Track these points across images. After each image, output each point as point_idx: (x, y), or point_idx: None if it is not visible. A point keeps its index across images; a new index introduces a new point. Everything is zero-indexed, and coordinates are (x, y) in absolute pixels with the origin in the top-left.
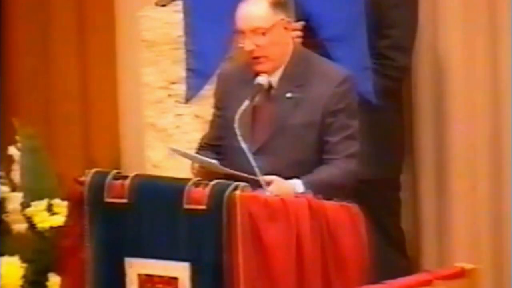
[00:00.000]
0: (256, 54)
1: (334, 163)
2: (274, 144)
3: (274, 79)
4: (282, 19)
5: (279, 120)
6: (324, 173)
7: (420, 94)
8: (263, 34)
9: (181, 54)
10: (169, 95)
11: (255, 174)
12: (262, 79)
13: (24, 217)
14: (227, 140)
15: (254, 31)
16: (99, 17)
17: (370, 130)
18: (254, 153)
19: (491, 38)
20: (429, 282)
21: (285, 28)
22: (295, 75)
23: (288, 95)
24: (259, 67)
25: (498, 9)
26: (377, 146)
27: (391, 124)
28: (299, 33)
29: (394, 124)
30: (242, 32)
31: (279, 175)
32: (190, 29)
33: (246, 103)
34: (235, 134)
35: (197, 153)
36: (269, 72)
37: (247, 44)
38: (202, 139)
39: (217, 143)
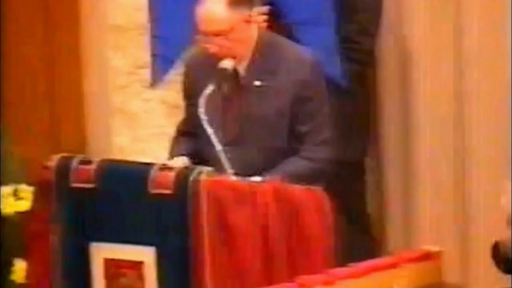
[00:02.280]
0: (221, 55)
1: (302, 153)
2: (246, 134)
3: (241, 67)
4: (242, 15)
5: (249, 109)
6: (290, 166)
7: (385, 78)
8: (225, 35)
9: (148, 39)
10: (136, 80)
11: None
12: (226, 63)
13: None
14: (200, 128)
15: (216, 33)
16: (65, 1)
17: (336, 113)
18: (227, 144)
19: (457, 23)
20: (395, 265)
21: (247, 21)
22: (262, 62)
23: (257, 83)
24: (225, 63)
25: None
26: (343, 129)
27: (357, 108)
28: (265, 17)
29: (360, 108)
30: (204, 34)
31: (252, 166)
32: (155, 14)
33: (211, 87)
34: (202, 128)
35: (176, 139)
36: (235, 62)
37: (211, 46)
38: (179, 126)
39: (193, 130)
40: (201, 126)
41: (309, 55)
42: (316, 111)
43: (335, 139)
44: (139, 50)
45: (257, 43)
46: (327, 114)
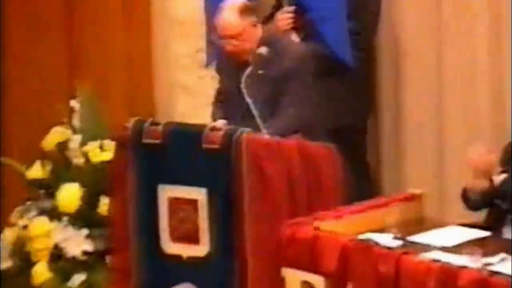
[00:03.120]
0: (233, 52)
1: (284, 114)
2: (255, 105)
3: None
4: (249, 22)
5: (255, 90)
6: (276, 122)
7: (381, 58)
8: (236, 38)
9: (203, 30)
10: (194, 61)
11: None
12: (262, 49)
13: (82, 153)
14: (230, 97)
15: (230, 37)
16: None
17: (346, 86)
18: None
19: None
20: (387, 204)
21: (253, 25)
22: (263, 56)
23: (260, 72)
24: (238, 57)
25: None
26: (351, 99)
27: (360, 83)
28: (291, 15)
29: (362, 83)
30: (221, 37)
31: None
32: (208, 8)
33: (249, 68)
34: (230, 95)
35: (214, 104)
36: (245, 56)
37: (227, 46)
38: (215, 95)
39: (224, 99)
40: (232, 96)
41: (295, 49)
42: (293, 91)
43: (346, 107)
44: (196, 38)
45: (260, 41)
46: (303, 90)
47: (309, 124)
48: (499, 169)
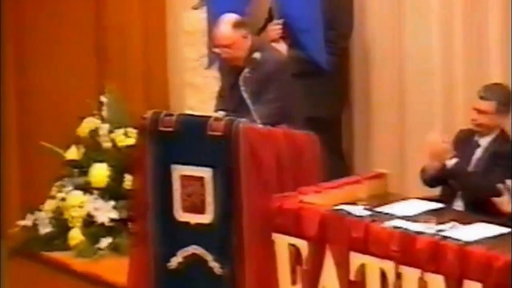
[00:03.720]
0: (227, 59)
1: (261, 107)
2: (250, 99)
3: (241, 64)
4: (241, 34)
5: (243, 88)
6: (259, 111)
7: (353, 61)
8: (230, 47)
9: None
10: (199, 64)
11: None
12: (256, 55)
13: (110, 139)
14: (230, 92)
15: (224, 46)
16: (157, 15)
17: (324, 85)
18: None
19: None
20: (358, 181)
21: (244, 37)
22: (250, 61)
23: (247, 75)
24: (230, 62)
25: None
26: (327, 95)
27: (335, 82)
28: (280, 27)
29: (337, 83)
30: (217, 46)
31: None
32: (210, 22)
33: (246, 69)
34: (229, 90)
35: (217, 98)
36: (237, 62)
37: (222, 53)
38: (218, 90)
39: (224, 94)
40: (231, 91)
41: (276, 56)
42: (275, 88)
43: (325, 101)
44: (200, 46)
45: (249, 49)
46: (282, 87)
47: (289, 114)
48: (451, 153)
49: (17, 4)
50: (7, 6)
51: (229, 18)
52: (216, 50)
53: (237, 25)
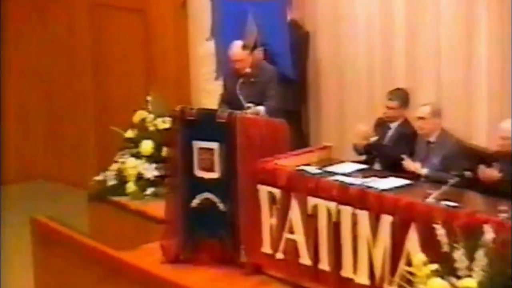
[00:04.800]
0: (239, 68)
1: (269, 101)
2: (250, 100)
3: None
4: (247, 53)
5: (244, 91)
6: (267, 105)
7: (309, 72)
8: (240, 61)
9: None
10: (211, 77)
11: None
12: (248, 69)
13: (153, 124)
14: (231, 98)
15: (237, 60)
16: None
17: (290, 88)
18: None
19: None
20: (312, 151)
21: (249, 55)
22: (253, 72)
23: (252, 80)
24: (239, 72)
25: None
26: (292, 94)
27: (298, 85)
28: (261, 51)
29: (299, 85)
30: (231, 62)
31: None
32: (216, 49)
33: (241, 79)
34: (231, 97)
35: (220, 102)
36: (243, 72)
37: (235, 65)
38: (221, 96)
39: (227, 99)
40: (230, 95)
41: (270, 68)
42: (272, 88)
43: (284, 98)
44: (211, 65)
45: (251, 63)
46: (276, 88)
47: (276, 108)
48: (372, 134)
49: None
50: (84, 24)
51: (239, 43)
52: (231, 64)
53: (243, 47)
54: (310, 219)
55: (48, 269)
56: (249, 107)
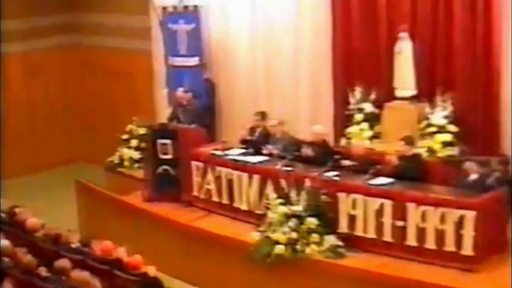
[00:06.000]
0: (182, 103)
1: (195, 121)
2: (186, 119)
3: None
4: (185, 94)
5: (183, 114)
6: (194, 123)
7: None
8: (182, 99)
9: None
10: (165, 105)
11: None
12: (184, 102)
13: (137, 132)
14: (174, 118)
15: (179, 98)
16: None
17: (206, 111)
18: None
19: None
20: (217, 144)
21: (186, 95)
22: (187, 104)
23: (187, 108)
24: (181, 104)
25: None
26: (208, 113)
27: (210, 111)
28: (191, 94)
29: (211, 110)
30: (178, 99)
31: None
32: (168, 92)
33: (180, 109)
34: (176, 117)
35: (168, 119)
36: (183, 104)
37: (179, 100)
38: (167, 118)
39: (173, 118)
40: (174, 118)
41: (196, 102)
42: (197, 113)
43: (203, 118)
44: (166, 99)
45: (187, 100)
46: (199, 113)
47: (199, 123)
48: (248, 134)
49: None
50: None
51: (181, 89)
52: (178, 99)
53: (183, 92)
54: (217, 178)
55: (86, 212)
56: (185, 123)
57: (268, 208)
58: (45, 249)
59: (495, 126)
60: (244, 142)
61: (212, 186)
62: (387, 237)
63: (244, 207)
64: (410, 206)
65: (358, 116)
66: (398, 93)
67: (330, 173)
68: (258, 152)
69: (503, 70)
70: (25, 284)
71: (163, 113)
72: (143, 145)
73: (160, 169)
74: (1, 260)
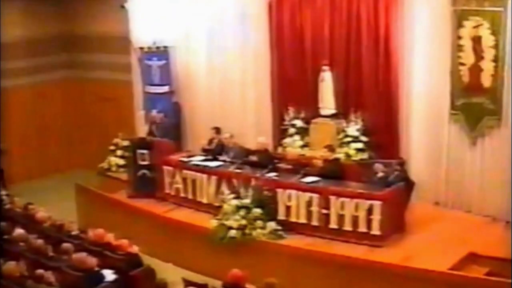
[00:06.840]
0: (154, 121)
1: (166, 136)
2: (160, 133)
3: None
4: (158, 115)
5: (159, 131)
6: (166, 137)
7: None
8: (154, 117)
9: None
10: (144, 123)
11: None
12: (158, 120)
13: (121, 144)
14: (150, 133)
15: (153, 117)
16: None
17: (173, 130)
18: None
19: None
20: (183, 153)
21: (158, 116)
22: (160, 123)
23: (160, 125)
24: (155, 123)
25: None
26: (175, 132)
27: (177, 123)
28: (163, 114)
29: (176, 124)
30: (152, 118)
31: None
32: (145, 113)
33: (154, 126)
34: (152, 133)
35: (147, 133)
36: (157, 123)
37: (153, 119)
38: (147, 131)
39: (150, 133)
40: (152, 133)
41: (167, 121)
42: (168, 130)
43: (172, 134)
44: (143, 119)
45: (160, 119)
46: (169, 130)
47: (169, 137)
48: (207, 144)
49: None
50: None
51: (155, 111)
52: (153, 118)
53: (157, 113)
54: (184, 179)
55: (83, 207)
56: (158, 136)
57: (223, 201)
58: (51, 236)
59: (395, 136)
60: (204, 151)
61: (180, 185)
62: (315, 222)
63: (205, 201)
64: (332, 198)
65: (291, 130)
66: (322, 111)
67: (271, 174)
68: (215, 159)
69: (400, 94)
70: (36, 263)
71: (142, 129)
72: (126, 154)
73: (140, 173)
74: (18, 244)
